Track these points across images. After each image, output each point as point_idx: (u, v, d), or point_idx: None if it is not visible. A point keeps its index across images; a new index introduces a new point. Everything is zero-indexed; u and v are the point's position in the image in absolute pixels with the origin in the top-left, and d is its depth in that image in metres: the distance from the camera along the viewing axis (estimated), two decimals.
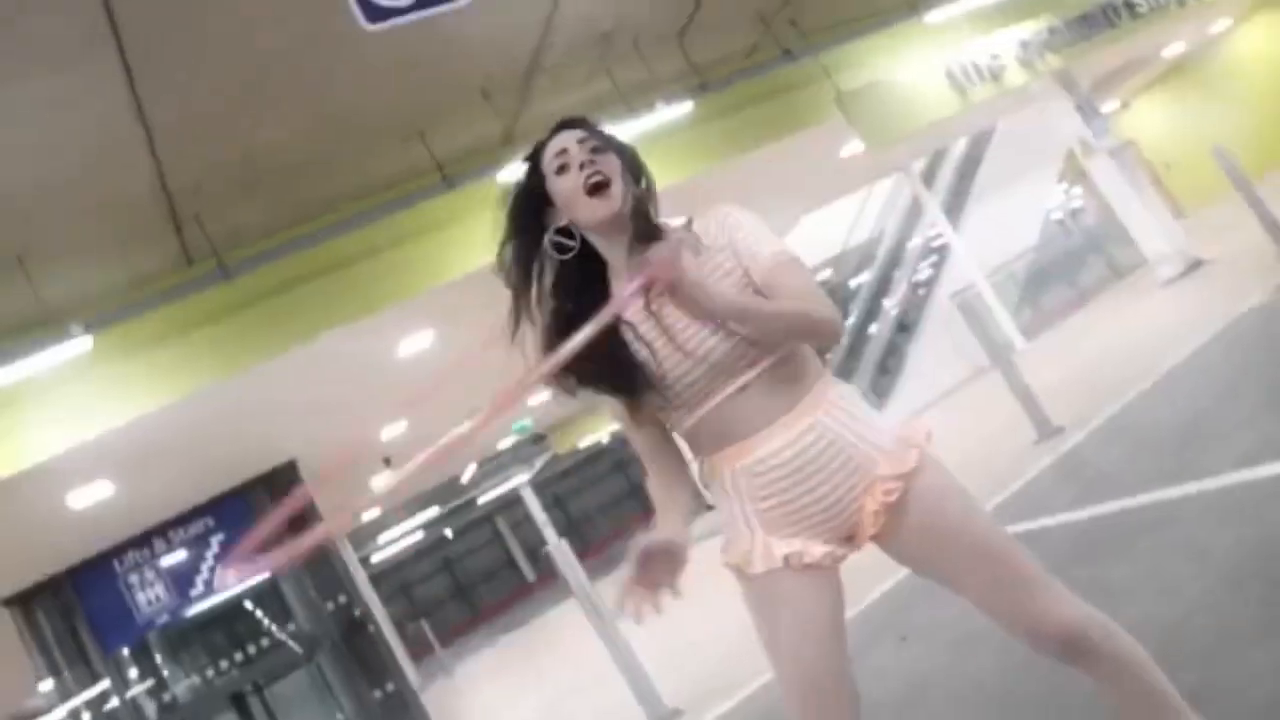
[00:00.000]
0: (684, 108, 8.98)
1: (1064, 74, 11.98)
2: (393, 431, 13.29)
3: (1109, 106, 17.61)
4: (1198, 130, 16.73)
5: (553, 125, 1.86)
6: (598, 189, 1.74)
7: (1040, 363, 11.13)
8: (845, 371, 17.75)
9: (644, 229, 1.78)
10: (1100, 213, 18.50)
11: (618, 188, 1.76)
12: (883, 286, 18.73)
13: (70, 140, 5.98)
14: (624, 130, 8.65)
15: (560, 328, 1.79)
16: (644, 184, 1.85)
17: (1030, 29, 11.30)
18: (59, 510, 8.29)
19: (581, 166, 1.75)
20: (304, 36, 6.04)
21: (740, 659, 6.18)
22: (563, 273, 1.85)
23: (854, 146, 11.89)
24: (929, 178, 17.90)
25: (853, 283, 19.62)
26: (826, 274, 20.74)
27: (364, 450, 14.02)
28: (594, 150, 1.77)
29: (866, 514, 1.75)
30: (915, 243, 18.45)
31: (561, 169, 1.77)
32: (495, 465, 29.05)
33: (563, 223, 1.80)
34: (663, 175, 7.75)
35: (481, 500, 32.43)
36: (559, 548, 5.97)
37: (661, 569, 1.68)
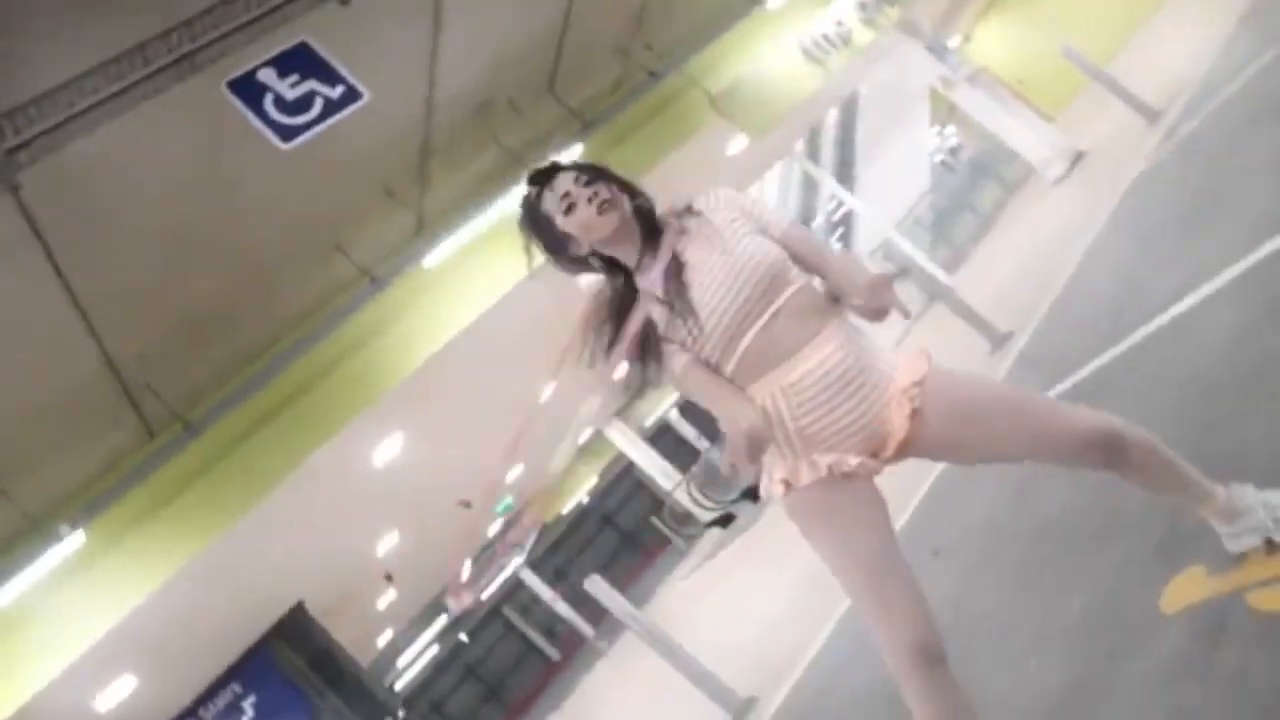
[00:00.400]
0: (574, 151, 9.32)
1: (906, 21, 12.64)
2: (388, 545, 13.26)
3: (954, 43, 18.44)
4: (1037, 42, 17.60)
5: (531, 175, 2.21)
6: (605, 207, 2.08)
7: (971, 286, 11.60)
8: None
9: (649, 226, 2.15)
10: (977, 139, 19.30)
11: (619, 200, 2.11)
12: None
13: (12, 345, 6.06)
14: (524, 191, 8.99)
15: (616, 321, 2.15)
16: (636, 192, 2.19)
17: None
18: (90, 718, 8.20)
19: (588, 200, 2.09)
20: (209, 193, 6.24)
21: (785, 635, 6.41)
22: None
23: (738, 143, 12.37)
24: (814, 156, 18.55)
25: None
26: None
27: (363, 573, 13.97)
28: (587, 183, 2.11)
29: (894, 423, 2.03)
30: (819, 220, 19.04)
31: (569, 208, 2.10)
32: (487, 557, 28.81)
33: (584, 251, 2.14)
34: None
35: (485, 596, 32.06)
36: (596, 582, 6.10)
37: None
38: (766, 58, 10.93)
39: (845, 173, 18.24)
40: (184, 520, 7.70)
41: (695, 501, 18.89)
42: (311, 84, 4.40)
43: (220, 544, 7.85)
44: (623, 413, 24.49)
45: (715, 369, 2.06)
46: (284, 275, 7.80)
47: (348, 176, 7.58)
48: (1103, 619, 2.76)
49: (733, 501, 17.34)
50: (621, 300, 2.14)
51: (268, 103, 4.30)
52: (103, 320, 6.45)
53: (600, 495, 39.49)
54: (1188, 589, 2.44)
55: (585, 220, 2.09)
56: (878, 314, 2.04)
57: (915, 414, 2.03)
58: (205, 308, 7.27)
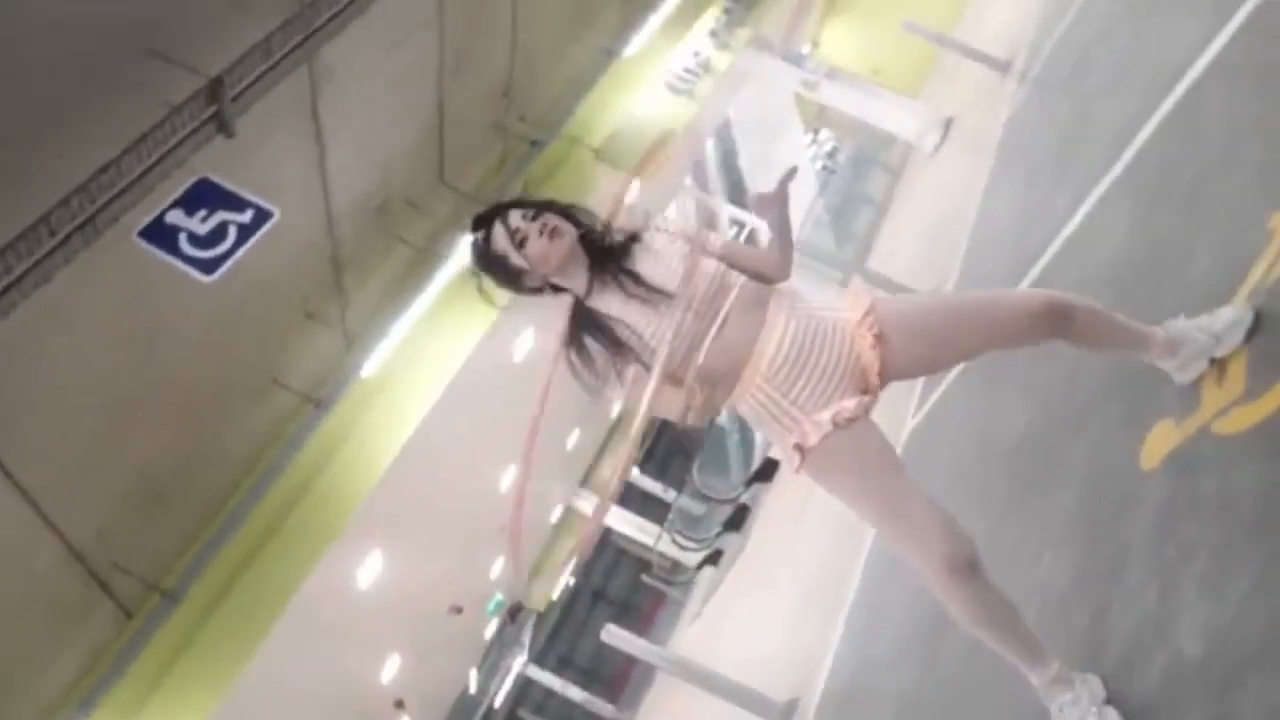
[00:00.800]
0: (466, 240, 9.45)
1: (757, 39, 13.18)
2: (391, 670, 12.97)
3: (806, 49, 19.22)
4: (881, 31, 18.47)
5: (474, 221, 2.36)
6: (554, 235, 2.21)
7: (884, 264, 11.97)
8: (734, 425, 18.39)
9: (598, 251, 2.26)
10: (852, 135, 19.98)
11: (566, 228, 2.24)
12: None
13: None
14: (442, 278, 9.12)
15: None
16: (580, 219, 2.32)
17: (711, 17, 12.45)
18: None
19: (539, 232, 2.21)
20: (138, 351, 6.22)
21: (805, 634, 6.48)
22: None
23: (634, 190, 12.69)
24: (703, 187, 19.01)
25: None
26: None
27: (374, 705, 13.62)
28: (534, 217, 2.24)
29: (866, 357, 2.19)
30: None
31: (521, 242, 2.22)
32: (490, 663, 28.19)
33: (537, 283, 2.29)
34: (498, 292, 8.13)
35: (498, 704, 31.27)
36: (612, 632, 6.10)
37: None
38: (637, 102, 11.30)
39: (738, 196, 18.71)
40: (182, 695, 7.51)
41: (681, 547, 18.88)
42: (221, 214, 4.49)
43: (224, 708, 7.66)
44: (587, 481, 24.46)
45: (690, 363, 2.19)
46: (228, 419, 7.74)
47: (267, 309, 7.60)
48: (1095, 499, 2.92)
49: (717, 535, 17.39)
50: (587, 320, 2.25)
51: (183, 242, 4.37)
52: (56, 507, 6.32)
53: (585, 571, 39.03)
54: (1160, 442, 2.62)
55: (539, 252, 2.20)
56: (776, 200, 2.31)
57: (879, 339, 2.18)
58: (156, 469, 7.17)
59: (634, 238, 2.27)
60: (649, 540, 22.50)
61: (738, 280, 2.21)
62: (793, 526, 10.02)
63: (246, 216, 4.55)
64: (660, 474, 32.10)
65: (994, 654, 2.20)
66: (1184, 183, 3.44)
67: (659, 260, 2.22)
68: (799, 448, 2.14)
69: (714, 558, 17.75)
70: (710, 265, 2.21)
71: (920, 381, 6.34)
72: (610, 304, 2.20)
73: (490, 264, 2.30)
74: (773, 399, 2.16)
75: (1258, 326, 2.40)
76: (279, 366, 8.12)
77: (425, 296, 9.11)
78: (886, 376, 2.23)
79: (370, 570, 9.70)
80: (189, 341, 6.59)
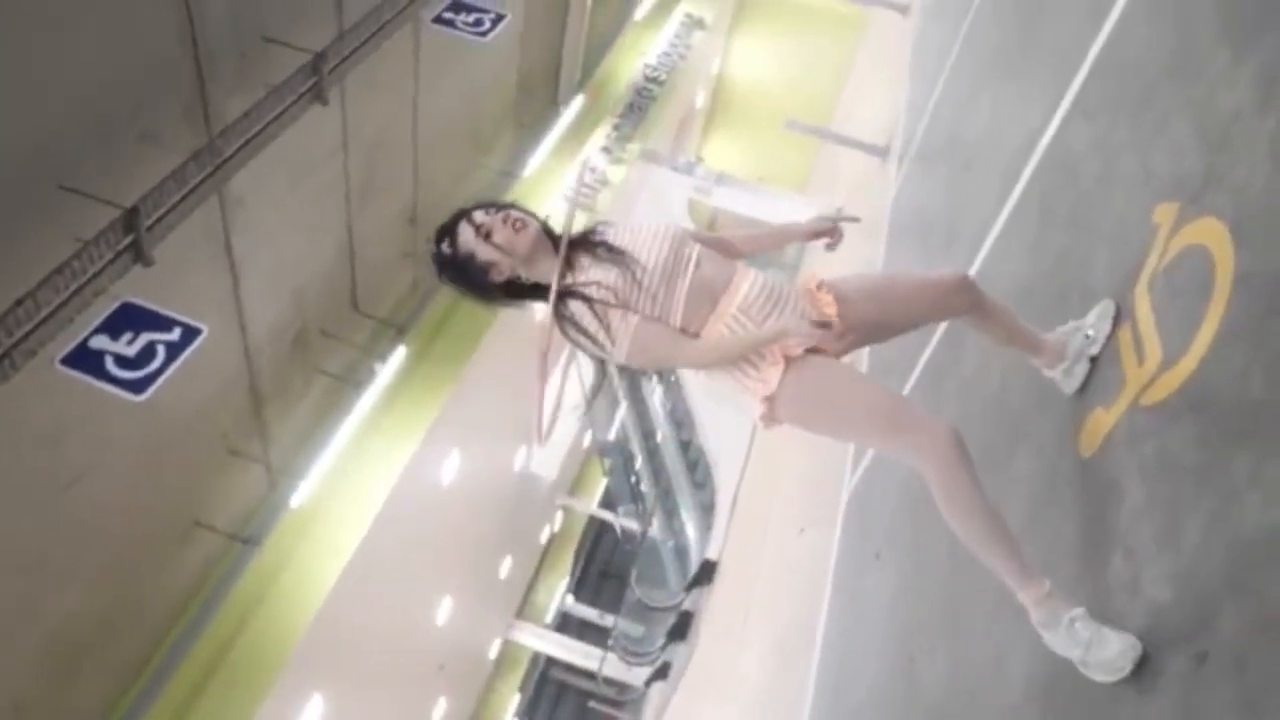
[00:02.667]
0: (399, 355, 9.47)
1: (648, 152, 13.75)
2: None
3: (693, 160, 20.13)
4: (756, 140, 19.59)
5: (437, 232, 2.39)
6: (519, 224, 2.31)
7: None
8: (665, 492, 18.46)
9: (555, 241, 2.37)
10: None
11: (529, 219, 2.36)
12: (640, 408, 19.72)
13: None
14: (364, 405, 9.04)
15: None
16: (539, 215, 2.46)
17: (603, 134, 12.98)
18: None
19: (503, 222, 2.31)
20: (50, 503, 5.97)
21: (777, 703, 6.40)
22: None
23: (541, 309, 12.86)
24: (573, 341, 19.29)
25: (616, 425, 20.42)
26: (588, 436, 21.52)
27: None
28: (496, 211, 2.35)
29: (828, 310, 2.37)
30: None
31: (487, 235, 2.30)
32: None
33: (504, 276, 2.35)
34: (420, 415, 8.22)
35: None
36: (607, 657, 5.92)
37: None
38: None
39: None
40: None
41: (628, 665, 18.46)
42: (148, 335, 4.44)
43: None
44: (522, 612, 23.83)
45: (661, 321, 2.28)
46: (151, 567, 7.42)
47: (188, 447, 7.42)
48: (1046, 497, 3.04)
49: (663, 648, 17.09)
50: (567, 294, 2.32)
51: (110, 364, 4.30)
52: None
53: (529, 709, 37.56)
54: (1095, 430, 2.77)
55: (505, 240, 2.28)
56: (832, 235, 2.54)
57: (837, 299, 2.38)
58: (75, 631, 6.79)
59: (593, 232, 2.42)
60: (593, 664, 21.93)
61: (694, 245, 2.39)
62: (740, 625, 9.96)
63: (175, 334, 4.51)
64: (594, 600, 31.53)
65: None
66: (1068, 208, 3.73)
67: (629, 236, 2.38)
68: (768, 399, 2.24)
69: (662, 671, 17.40)
70: (667, 226, 2.40)
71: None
72: (583, 275, 2.31)
73: (456, 268, 2.34)
74: (746, 330, 2.26)
75: (1121, 314, 2.75)
76: (202, 506, 7.86)
77: (347, 425, 9.00)
78: (848, 336, 2.37)
79: (311, 714, 9.22)
80: (108, 485, 6.36)
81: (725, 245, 2.53)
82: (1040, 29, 5.10)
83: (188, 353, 4.55)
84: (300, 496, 8.33)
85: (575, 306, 2.30)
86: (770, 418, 2.29)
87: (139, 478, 6.85)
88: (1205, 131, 2.74)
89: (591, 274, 2.29)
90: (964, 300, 2.56)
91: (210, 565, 8.08)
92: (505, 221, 2.30)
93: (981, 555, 2.27)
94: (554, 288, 2.29)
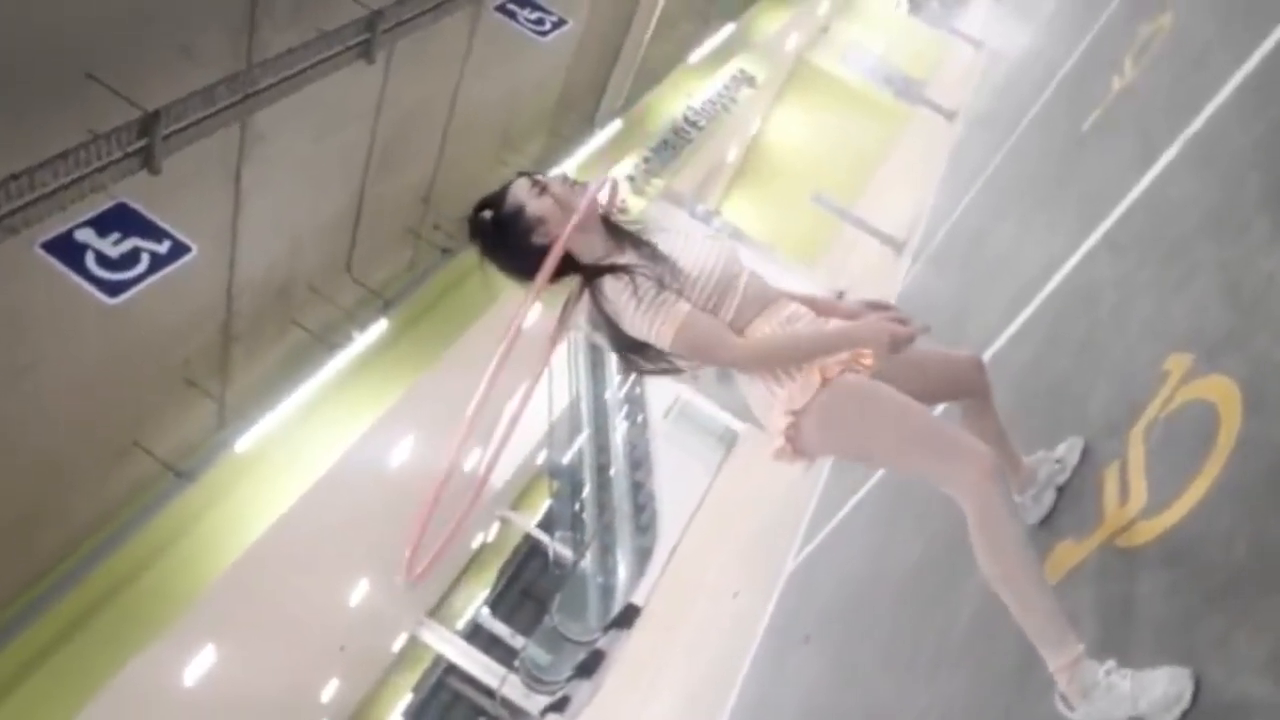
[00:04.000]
0: (378, 328, 9.35)
1: (671, 192, 13.78)
2: None
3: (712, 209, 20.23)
4: (778, 204, 19.72)
5: (483, 201, 2.33)
6: (575, 187, 2.26)
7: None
8: (605, 526, 18.28)
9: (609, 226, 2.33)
10: None
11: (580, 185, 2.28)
12: (601, 439, 19.61)
13: None
14: (335, 365, 8.90)
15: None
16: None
17: (630, 163, 12.98)
18: None
19: (560, 182, 2.27)
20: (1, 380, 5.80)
21: None
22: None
23: (533, 314, 12.79)
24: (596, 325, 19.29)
25: (573, 449, 20.28)
26: (543, 454, 21.35)
27: None
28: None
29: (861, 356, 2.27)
30: (611, 386, 19.62)
31: (542, 191, 2.25)
32: None
33: (550, 238, 2.25)
34: (385, 393, 8.10)
35: None
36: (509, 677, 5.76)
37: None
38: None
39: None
40: None
41: (529, 690, 18.15)
42: (135, 241, 4.32)
43: None
44: (435, 612, 23.48)
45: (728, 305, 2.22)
46: (79, 475, 7.21)
47: (148, 365, 7.25)
48: (993, 623, 2.98)
49: (567, 680, 16.83)
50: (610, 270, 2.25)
51: (90, 261, 4.17)
52: None
53: (418, 711, 36.88)
54: (1062, 560, 2.72)
55: (562, 194, 2.22)
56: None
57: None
58: None
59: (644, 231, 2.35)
60: (494, 682, 21.58)
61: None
62: (652, 676, 9.82)
63: (163, 247, 4.39)
64: (509, 618, 31.12)
65: None
66: (1078, 335, 3.71)
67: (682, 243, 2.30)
68: (795, 415, 2.14)
69: (561, 705, 17.13)
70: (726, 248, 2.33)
71: (807, 517, 6.46)
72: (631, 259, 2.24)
73: (497, 224, 2.28)
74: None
75: (1088, 452, 2.79)
76: (145, 428, 7.66)
77: (311, 384, 8.84)
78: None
79: (198, 665, 8.96)
80: (58, 381, 6.19)
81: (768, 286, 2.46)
82: (1085, 159, 5.13)
83: (171, 268, 4.43)
84: (246, 442, 8.15)
85: (612, 285, 2.21)
86: (792, 441, 2.18)
87: (90, 382, 6.67)
88: (1234, 293, 2.72)
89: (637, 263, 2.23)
90: (977, 381, 2.54)
91: (138, 489, 7.86)
92: (564, 181, 2.27)
93: (1016, 605, 2.08)
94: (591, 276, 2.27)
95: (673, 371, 2.38)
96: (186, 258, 4.50)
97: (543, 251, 2.22)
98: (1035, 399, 3.72)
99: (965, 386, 2.55)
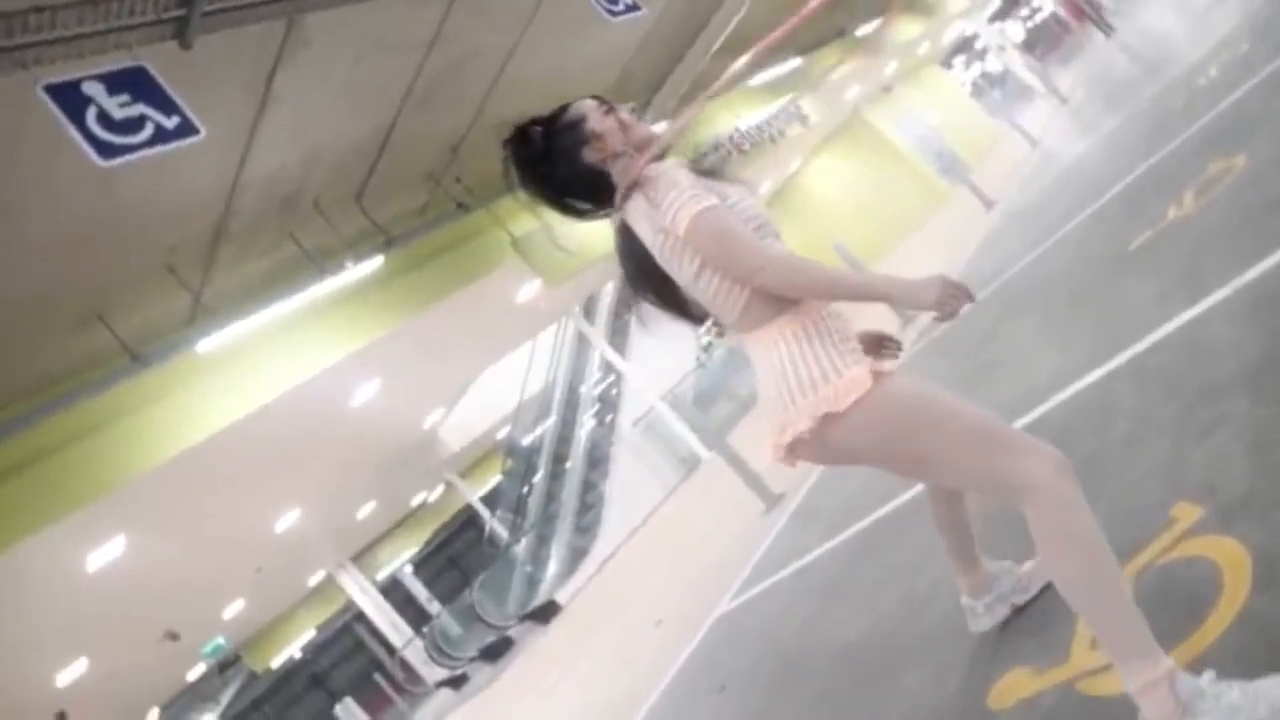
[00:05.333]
0: (374, 263, 9.12)
1: None
2: (72, 674, 11.52)
3: None
4: (799, 248, 19.55)
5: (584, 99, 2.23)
6: (638, 113, 2.22)
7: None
8: (548, 517, 18.08)
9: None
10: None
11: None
12: (566, 431, 19.39)
13: None
14: (321, 289, 8.66)
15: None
16: None
17: None
18: None
19: (630, 110, 2.21)
20: None
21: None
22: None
23: (528, 290, 12.60)
24: (590, 318, 19.13)
25: (535, 433, 20.06)
26: (505, 430, 21.14)
27: (31, 708, 11.99)
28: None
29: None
30: (588, 382, 19.43)
31: (608, 111, 2.16)
32: (176, 711, 25.65)
33: (605, 154, 2.14)
34: (363, 330, 7.88)
35: None
36: (345, 707, 5.55)
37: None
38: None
39: (617, 341, 18.87)
40: None
41: (430, 660, 17.88)
42: (144, 108, 4.09)
43: None
44: (359, 558, 23.18)
45: None
46: (33, 332, 6.94)
47: (130, 239, 7.00)
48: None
49: (469, 661, 16.59)
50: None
51: (90, 116, 3.94)
52: None
53: (316, 649, 36.53)
54: (1015, 687, 2.54)
55: (626, 119, 2.15)
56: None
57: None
58: None
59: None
60: (397, 641, 21.30)
61: None
62: (555, 680, 9.60)
63: (171, 122, 4.17)
64: (430, 583, 30.84)
65: None
66: (1081, 454, 3.53)
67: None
68: (827, 419, 1.93)
69: (457, 682, 16.88)
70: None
71: (751, 564, 6.27)
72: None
73: (547, 135, 2.14)
74: (829, 330, 1.99)
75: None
76: (112, 304, 7.41)
77: (292, 303, 8.61)
78: None
79: (108, 553, 8.68)
80: (31, 233, 5.94)
81: None
82: (1125, 278, 4.97)
83: (173, 146, 4.20)
84: (210, 344, 7.90)
85: (650, 186, 2.04)
86: (807, 443, 1.98)
87: (68, 241, 6.42)
88: (1261, 454, 2.56)
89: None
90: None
91: (90, 362, 7.58)
92: (632, 110, 2.20)
93: (1097, 612, 1.85)
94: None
95: (682, 312, 2.20)
96: (192, 139, 4.28)
97: (589, 171, 2.12)
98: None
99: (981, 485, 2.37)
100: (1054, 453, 1.89)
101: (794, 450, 2.02)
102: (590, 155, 2.13)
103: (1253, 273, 3.57)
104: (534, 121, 2.17)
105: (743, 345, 2.13)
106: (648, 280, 2.17)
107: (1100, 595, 1.83)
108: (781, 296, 1.96)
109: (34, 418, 7.06)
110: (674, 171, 2.03)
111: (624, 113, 2.18)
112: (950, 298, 1.87)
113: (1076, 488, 1.86)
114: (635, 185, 2.07)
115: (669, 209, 1.98)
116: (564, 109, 2.18)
